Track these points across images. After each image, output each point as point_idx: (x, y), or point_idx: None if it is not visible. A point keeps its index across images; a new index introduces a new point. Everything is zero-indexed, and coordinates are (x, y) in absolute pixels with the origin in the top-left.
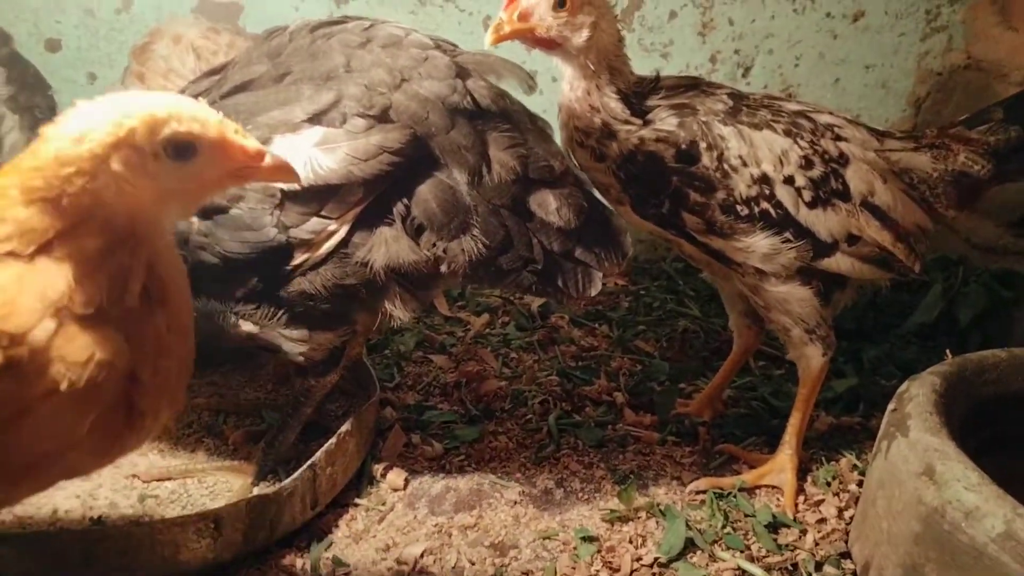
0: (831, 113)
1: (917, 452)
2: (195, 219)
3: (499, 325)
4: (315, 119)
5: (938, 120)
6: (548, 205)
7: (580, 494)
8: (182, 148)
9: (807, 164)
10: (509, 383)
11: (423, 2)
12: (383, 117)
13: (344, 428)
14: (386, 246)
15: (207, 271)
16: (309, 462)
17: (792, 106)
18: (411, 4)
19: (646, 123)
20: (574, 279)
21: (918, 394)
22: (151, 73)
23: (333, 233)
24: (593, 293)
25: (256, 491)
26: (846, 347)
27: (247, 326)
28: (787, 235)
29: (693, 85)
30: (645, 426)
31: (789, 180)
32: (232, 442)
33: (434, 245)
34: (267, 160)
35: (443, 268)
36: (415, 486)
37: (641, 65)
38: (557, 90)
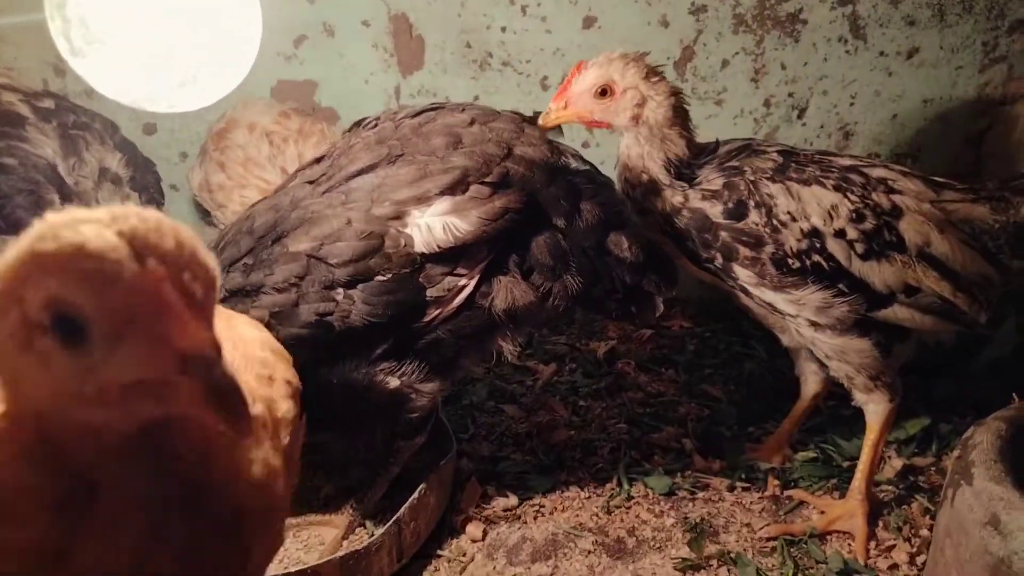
0: (886, 167)
1: (982, 501)
2: (340, 290)
3: (567, 373)
4: (445, 192)
5: (1003, 151)
6: (622, 244)
7: (652, 543)
8: (66, 322)
9: (858, 217)
10: (579, 432)
11: (483, 67)
12: (502, 183)
13: (424, 485)
14: (506, 291)
15: (353, 334)
16: (395, 518)
17: (844, 161)
18: (472, 70)
19: (694, 186)
20: (642, 305)
21: (982, 441)
22: (230, 162)
23: (463, 288)
24: (657, 315)
25: (346, 544)
26: (918, 384)
27: (393, 381)
28: (840, 287)
29: (745, 147)
30: (714, 472)
31: (840, 233)
32: (323, 496)
33: (541, 285)
34: (184, 382)
35: (548, 304)
36: (493, 537)
37: (696, 112)
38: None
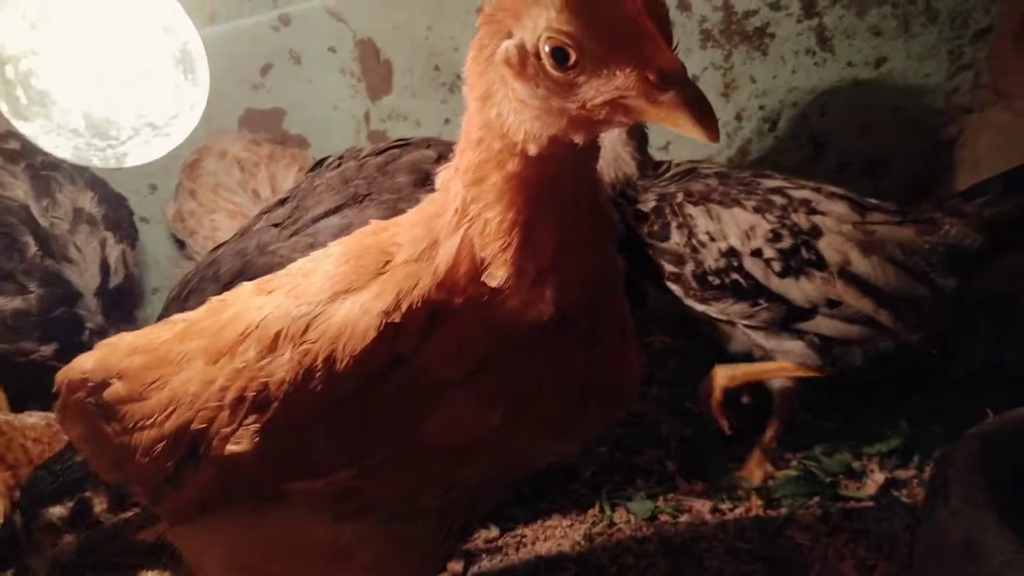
0: (816, 189)
1: (957, 522)
2: None
3: None
4: None
5: (972, 158)
6: None
7: (634, 570)
8: (559, 51)
9: (775, 237)
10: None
11: (452, 90)
12: None
13: None
14: None
15: None
16: None
17: (772, 183)
18: (442, 93)
19: (633, 205)
20: (635, 297)
21: (957, 460)
22: (201, 188)
23: None
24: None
25: None
26: (895, 396)
27: None
28: (760, 301)
29: (690, 171)
30: (697, 494)
31: (756, 253)
32: None
33: None
34: (665, 96)
35: None
36: (474, 571)
37: (667, 130)
38: None
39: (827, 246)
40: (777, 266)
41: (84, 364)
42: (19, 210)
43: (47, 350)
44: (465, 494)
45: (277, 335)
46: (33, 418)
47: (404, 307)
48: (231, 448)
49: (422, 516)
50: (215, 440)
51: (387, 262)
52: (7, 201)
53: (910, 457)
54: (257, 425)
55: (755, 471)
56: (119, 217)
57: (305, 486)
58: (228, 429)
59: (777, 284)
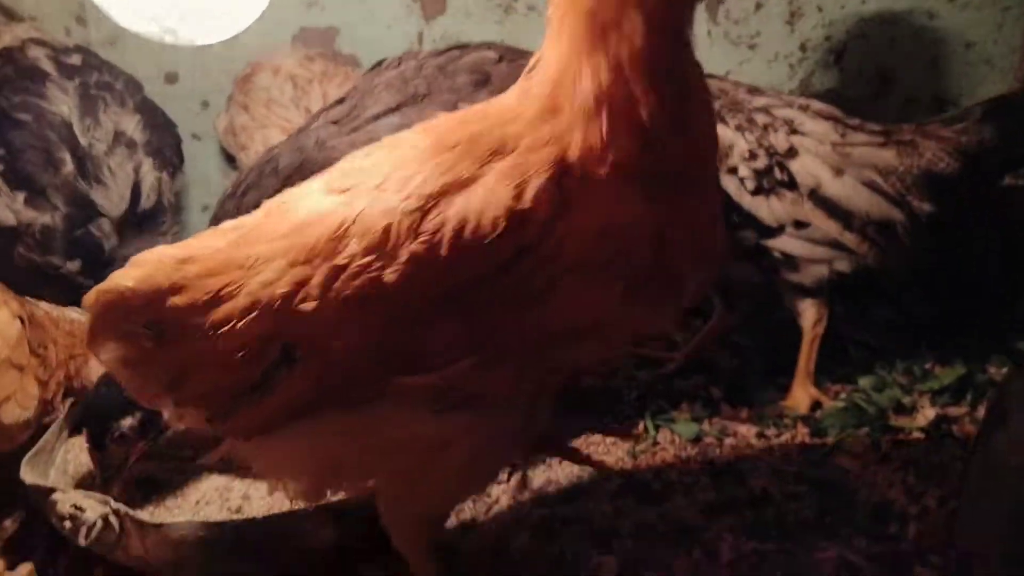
0: (803, 108)
1: (1017, 446)
2: None
3: None
4: None
5: None
6: None
7: (678, 486)
8: None
9: (751, 156)
10: (605, 379)
11: (508, 11)
12: None
13: None
14: None
15: None
16: None
17: (759, 101)
18: (497, 14)
19: None
20: None
21: (1019, 386)
22: (253, 103)
23: None
24: None
25: None
26: (952, 335)
27: None
28: (732, 217)
29: None
30: (742, 419)
31: (732, 170)
32: None
33: None
34: None
35: None
36: (518, 478)
37: (728, 58)
38: None
39: (800, 168)
40: (750, 184)
41: (122, 282)
42: (61, 126)
43: (72, 266)
44: (559, 383)
45: (387, 229)
46: (75, 313)
47: (531, 193)
48: (339, 345)
49: (514, 408)
50: (319, 339)
51: (504, 147)
52: (50, 116)
53: (963, 395)
54: (369, 319)
55: (800, 398)
56: (163, 144)
57: (417, 380)
58: (335, 327)
59: (749, 202)
